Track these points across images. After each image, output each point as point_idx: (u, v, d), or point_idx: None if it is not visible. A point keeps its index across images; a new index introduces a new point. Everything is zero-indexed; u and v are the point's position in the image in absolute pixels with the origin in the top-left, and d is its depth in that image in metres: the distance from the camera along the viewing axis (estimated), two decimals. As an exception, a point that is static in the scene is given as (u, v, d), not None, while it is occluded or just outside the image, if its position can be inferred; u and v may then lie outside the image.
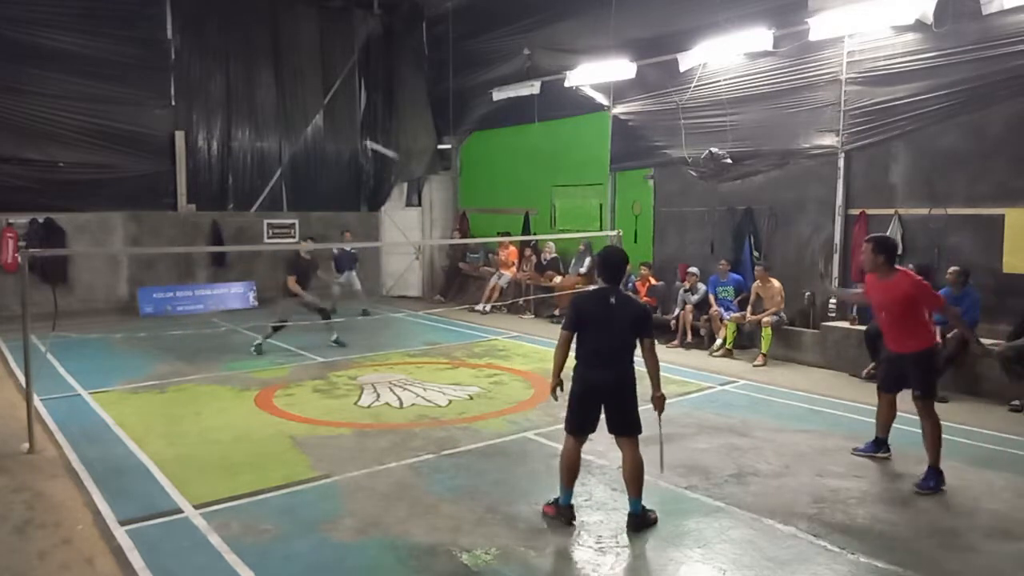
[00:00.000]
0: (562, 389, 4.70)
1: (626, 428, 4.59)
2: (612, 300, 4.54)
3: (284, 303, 10.38)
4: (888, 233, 8.62)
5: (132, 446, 6.15)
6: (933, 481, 5.22)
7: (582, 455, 5.89)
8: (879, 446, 5.87)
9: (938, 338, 7.77)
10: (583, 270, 13.14)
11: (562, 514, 4.64)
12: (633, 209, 12.58)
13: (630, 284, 11.56)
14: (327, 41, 16.46)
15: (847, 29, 9.15)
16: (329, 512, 4.82)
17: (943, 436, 5.37)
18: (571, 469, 4.68)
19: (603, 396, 4.58)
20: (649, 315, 4.79)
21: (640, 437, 4.61)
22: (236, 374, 8.91)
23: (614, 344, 4.55)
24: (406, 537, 4.45)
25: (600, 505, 4.94)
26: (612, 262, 4.70)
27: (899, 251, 8.98)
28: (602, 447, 6.09)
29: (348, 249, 13.30)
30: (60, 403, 7.48)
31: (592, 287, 4.79)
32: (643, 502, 4.59)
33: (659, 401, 4.63)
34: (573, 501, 4.69)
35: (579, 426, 4.65)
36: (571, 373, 4.67)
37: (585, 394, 4.58)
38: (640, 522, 4.56)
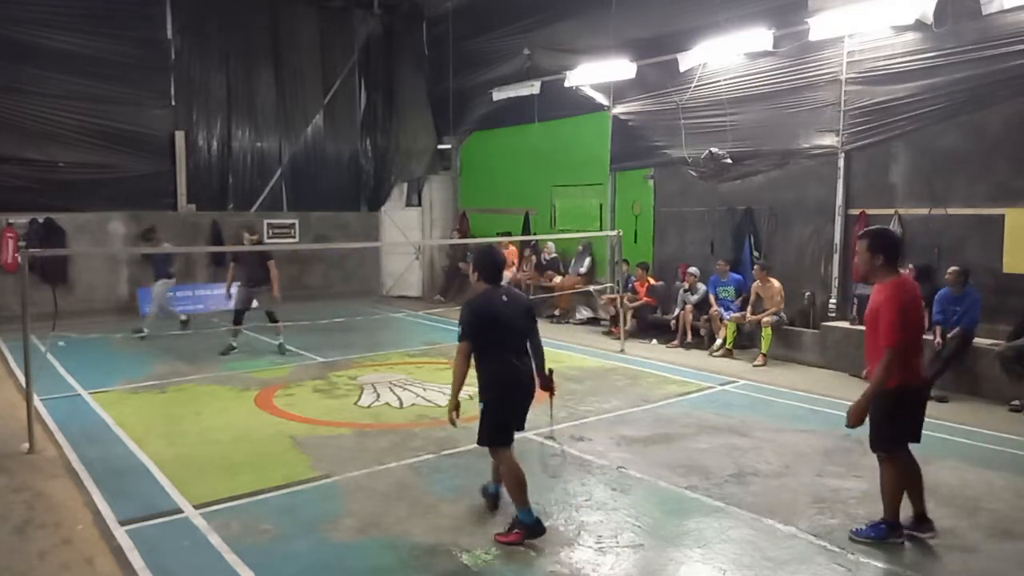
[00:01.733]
0: (458, 414, 4.43)
1: (522, 426, 4.61)
2: (504, 298, 4.53)
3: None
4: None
5: (132, 446, 6.15)
6: (875, 532, 4.36)
7: (581, 455, 5.94)
8: (920, 522, 4.45)
9: (938, 338, 7.81)
10: (583, 270, 13.15)
11: (534, 532, 4.37)
12: (633, 209, 12.58)
13: (629, 284, 11.57)
14: (327, 41, 16.46)
15: (847, 29, 9.15)
16: (329, 512, 4.82)
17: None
18: (523, 482, 4.44)
19: (524, 392, 4.52)
20: (534, 309, 4.84)
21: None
22: (236, 374, 8.91)
23: (517, 341, 4.53)
24: (406, 537, 4.45)
25: (600, 505, 4.94)
26: (494, 263, 4.68)
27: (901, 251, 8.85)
28: (602, 447, 6.11)
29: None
30: (60, 403, 7.48)
31: (486, 288, 4.60)
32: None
33: (550, 378, 4.66)
34: (573, 500, 4.67)
35: (510, 431, 4.52)
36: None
37: (509, 396, 4.48)
38: (499, 500, 4.75)
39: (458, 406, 4.42)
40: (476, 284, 4.66)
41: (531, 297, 13.29)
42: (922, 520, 4.45)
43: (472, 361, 4.44)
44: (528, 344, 4.57)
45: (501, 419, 4.48)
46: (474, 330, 4.39)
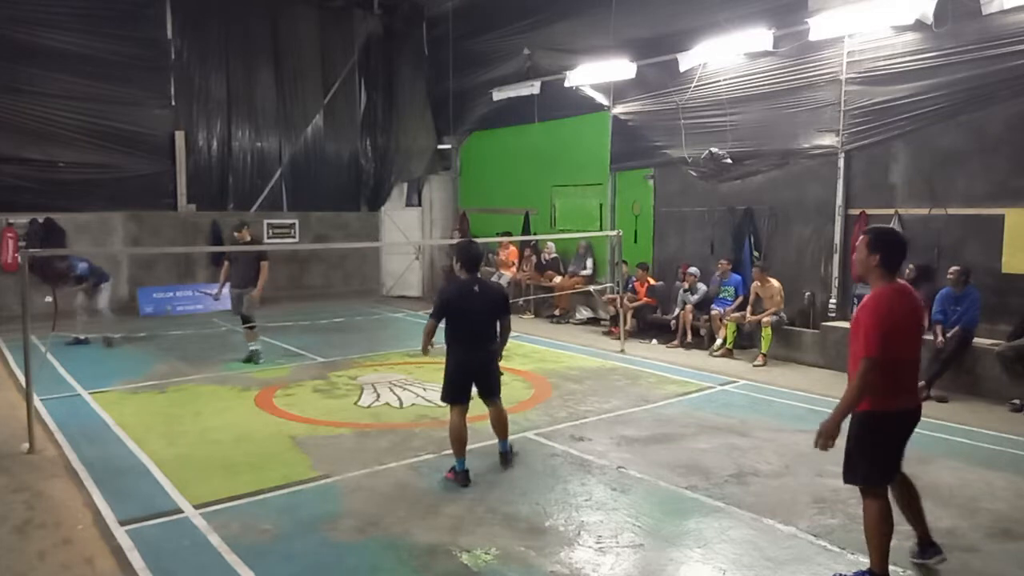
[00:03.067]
0: (432, 346, 5.46)
1: (493, 394, 5.53)
2: (475, 288, 5.31)
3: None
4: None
5: (132, 446, 6.15)
6: None
7: (581, 455, 5.94)
8: (925, 547, 4.13)
9: (940, 337, 7.79)
10: (585, 271, 13.13)
11: (459, 479, 5.26)
12: (633, 209, 12.58)
13: (630, 285, 11.57)
14: (327, 41, 16.46)
15: (847, 29, 9.14)
16: (329, 512, 4.83)
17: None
18: (460, 440, 5.31)
19: (474, 372, 5.39)
20: (507, 298, 5.63)
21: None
22: (236, 374, 8.90)
23: (480, 328, 5.34)
24: (406, 537, 4.45)
25: (600, 505, 4.94)
26: (472, 255, 5.45)
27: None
28: (602, 447, 6.12)
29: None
30: (60, 403, 7.47)
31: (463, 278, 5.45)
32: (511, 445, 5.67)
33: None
34: (573, 500, 4.67)
35: (458, 397, 5.38)
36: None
37: (459, 371, 5.36)
38: (509, 457, 5.61)
39: (432, 344, 5.45)
40: (459, 272, 5.47)
41: (531, 297, 13.34)
42: (928, 545, 4.08)
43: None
44: (498, 327, 5.41)
45: (451, 389, 5.41)
46: (443, 312, 5.31)
